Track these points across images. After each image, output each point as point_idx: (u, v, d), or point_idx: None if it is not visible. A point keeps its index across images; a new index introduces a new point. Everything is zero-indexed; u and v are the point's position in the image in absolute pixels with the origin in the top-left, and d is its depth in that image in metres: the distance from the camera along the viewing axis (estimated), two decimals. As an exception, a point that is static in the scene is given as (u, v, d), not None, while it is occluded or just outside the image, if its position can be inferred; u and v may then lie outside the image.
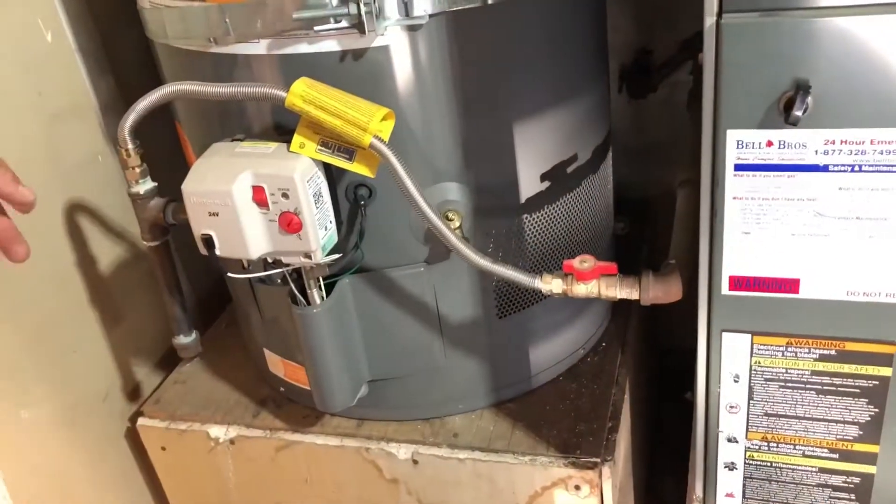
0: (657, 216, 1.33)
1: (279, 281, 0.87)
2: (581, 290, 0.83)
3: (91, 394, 1.09)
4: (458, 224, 0.85)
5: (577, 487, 0.91)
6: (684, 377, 0.87)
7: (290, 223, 0.76)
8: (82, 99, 1.06)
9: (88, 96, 1.07)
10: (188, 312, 0.96)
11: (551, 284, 0.83)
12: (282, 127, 0.81)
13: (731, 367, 0.78)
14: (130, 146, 0.82)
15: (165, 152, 0.94)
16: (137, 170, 0.84)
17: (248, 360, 1.13)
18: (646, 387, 1.27)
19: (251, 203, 0.76)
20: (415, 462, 0.97)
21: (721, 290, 0.73)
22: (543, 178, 0.90)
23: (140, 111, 0.79)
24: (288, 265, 0.82)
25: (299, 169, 0.75)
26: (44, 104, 1.00)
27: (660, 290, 0.82)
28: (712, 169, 0.68)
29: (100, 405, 1.10)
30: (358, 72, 0.77)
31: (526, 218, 0.91)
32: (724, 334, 0.76)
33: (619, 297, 0.83)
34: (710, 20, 0.63)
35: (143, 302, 1.16)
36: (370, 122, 0.72)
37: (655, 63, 1.31)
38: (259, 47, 0.78)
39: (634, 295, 0.83)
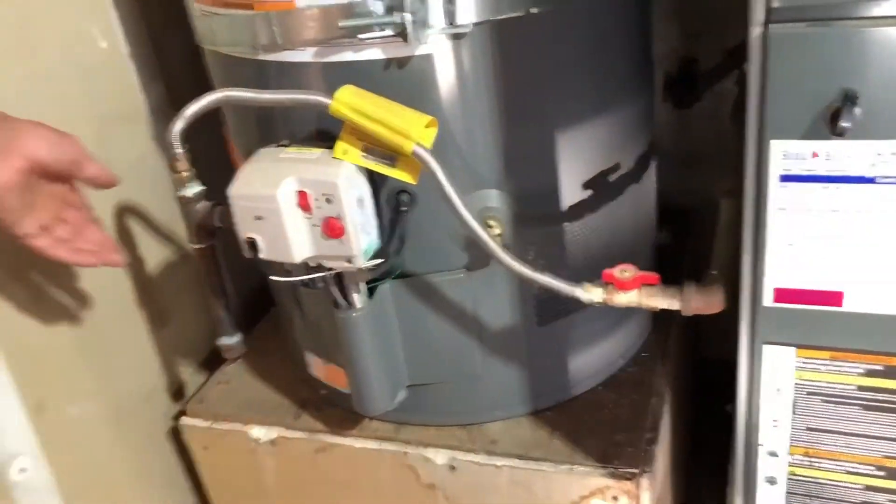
0: (700, 226, 1.32)
1: (321, 284, 0.88)
2: (621, 299, 0.82)
3: (136, 392, 1.11)
4: (498, 231, 0.85)
5: (615, 498, 0.90)
6: (725, 389, 0.86)
7: (332, 228, 0.77)
8: (133, 104, 1.09)
9: (139, 101, 1.09)
10: (232, 314, 0.98)
11: (591, 293, 0.82)
12: (326, 133, 0.82)
13: (773, 380, 0.77)
14: (179, 150, 0.84)
15: (213, 156, 0.95)
16: (186, 174, 0.86)
17: (290, 362, 1.14)
18: (685, 398, 1.26)
19: (295, 208, 0.78)
20: (452, 468, 0.97)
21: (764, 301, 0.72)
22: (585, 186, 0.90)
23: (189, 117, 0.81)
24: (330, 269, 0.83)
25: (343, 175, 0.76)
26: (96, 109, 1.02)
27: (702, 301, 0.81)
28: (757, 180, 0.68)
29: (144, 404, 1.12)
30: (401, 79, 0.78)
31: (567, 226, 0.91)
32: (767, 347, 0.75)
33: (660, 307, 0.82)
34: (756, 30, 0.62)
35: (188, 303, 1.18)
36: (413, 130, 0.73)
37: (700, 72, 1.30)
38: (305, 55, 0.79)
39: (676, 305, 0.82)
